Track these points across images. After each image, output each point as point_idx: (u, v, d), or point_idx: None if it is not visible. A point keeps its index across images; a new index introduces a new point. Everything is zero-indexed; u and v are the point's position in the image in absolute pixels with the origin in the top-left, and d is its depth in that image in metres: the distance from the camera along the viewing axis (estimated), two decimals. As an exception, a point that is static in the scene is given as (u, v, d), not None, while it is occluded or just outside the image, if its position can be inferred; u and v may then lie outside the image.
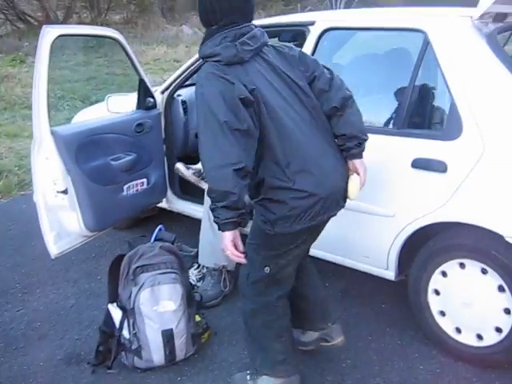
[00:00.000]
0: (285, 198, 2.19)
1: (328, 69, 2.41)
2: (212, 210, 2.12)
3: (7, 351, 2.99)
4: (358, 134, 2.37)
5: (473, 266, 2.67)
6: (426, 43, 2.77)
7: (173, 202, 4.01)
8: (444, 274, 2.78)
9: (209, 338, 2.99)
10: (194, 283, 3.45)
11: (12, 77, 9.28)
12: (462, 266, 2.71)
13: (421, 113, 2.93)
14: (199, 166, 3.89)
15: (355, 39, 3.36)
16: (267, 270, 2.39)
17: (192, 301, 2.87)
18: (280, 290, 2.47)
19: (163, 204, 4.02)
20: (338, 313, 3.21)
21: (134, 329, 2.70)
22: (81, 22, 16.51)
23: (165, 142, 3.90)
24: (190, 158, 4.08)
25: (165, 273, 2.71)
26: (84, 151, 3.15)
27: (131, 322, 2.70)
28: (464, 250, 2.69)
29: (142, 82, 3.62)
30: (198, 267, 3.51)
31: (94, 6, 16.72)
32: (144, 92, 3.66)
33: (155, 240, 2.89)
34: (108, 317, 2.81)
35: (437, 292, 2.83)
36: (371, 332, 3.09)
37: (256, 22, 3.46)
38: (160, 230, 2.97)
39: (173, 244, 2.93)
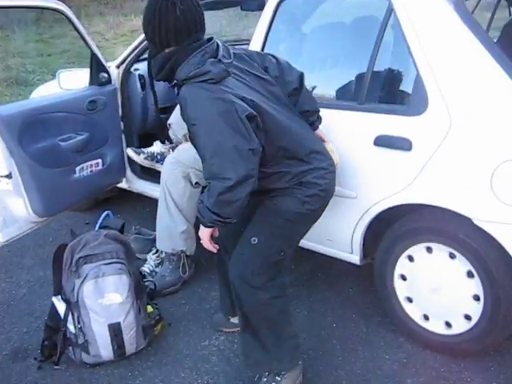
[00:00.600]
0: (312, 178, 2.24)
1: (270, 54, 2.43)
2: (204, 210, 2.10)
3: (-51, 347, 2.81)
4: (316, 108, 2.48)
5: (440, 251, 2.50)
6: (390, 10, 2.55)
7: (133, 182, 3.81)
8: (410, 258, 2.62)
9: (162, 329, 2.82)
10: (152, 269, 3.30)
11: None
12: (429, 250, 2.54)
13: (383, 86, 2.72)
14: (152, 148, 3.69)
15: (314, 7, 3.13)
16: (283, 254, 2.34)
17: (142, 291, 2.69)
18: (286, 270, 2.48)
19: (123, 184, 3.82)
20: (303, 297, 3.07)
21: (79, 323, 2.53)
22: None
23: (122, 120, 3.68)
24: (150, 136, 3.87)
25: (110, 263, 2.53)
26: (28, 132, 2.93)
27: (76, 315, 2.53)
28: (431, 233, 2.51)
29: (93, 56, 3.38)
30: (157, 252, 3.34)
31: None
32: (97, 67, 3.43)
33: (100, 227, 2.69)
34: (53, 310, 2.63)
35: (403, 277, 2.67)
36: (336, 319, 2.93)
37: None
38: (107, 215, 2.77)
39: (122, 231, 2.74)
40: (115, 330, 2.52)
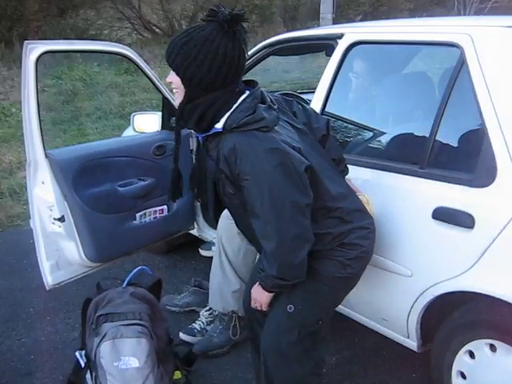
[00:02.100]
0: (355, 239, 2.05)
1: (295, 100, 2.22)
2: (267, 278, 1.98)
3: (-13, 387, 2.80)
4: (342, 156, 2.29)
5: (506, 351, 2.08)
6: (461, 62, 2.22)
7: (204, 231, 3.65)
8: (471, 354, 2.22)
9: (187, 399, 2.61)
10: (203, 326, 3.13)
11: (117, 86, 9.41)
12: (492, 348, 2.14)
13: (449, 150, 2.36)
14: None
15: (383, 54, 2.84)
16: (320, 322, 2.13)
17: (168, 356, 2.50)
18: (324, 342, 2.24)
19: (194, 232, 3.69)
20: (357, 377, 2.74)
21: (96, 383, 2.39)
22: (204, 31, 16.70)
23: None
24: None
25: (130, 324, 2.37)
26: (84, 176, 2.89)
27: (94, 375, 2.40)
28: (493, 329, 2.12)
29: (165, 100, 3.31)
30: (210, 309, 3.16)
31: (217, 16, 16.80)
32: (168, 111, 3.35)
33: (128, 284, 2.56)
34: (76, 365, 2.52)
35: (463, 375, 2.27)
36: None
37: (282, 35, 3.09)
38: (140, 271, 2.63)
39: (155, 289, 2.58)
40: (131, 397, 2.35)
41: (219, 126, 1.90)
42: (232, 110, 1.88)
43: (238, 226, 2.26)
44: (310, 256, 1.98)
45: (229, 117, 1.88)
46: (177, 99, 1.97)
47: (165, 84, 3.14)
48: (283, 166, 1.82)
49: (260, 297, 2.09)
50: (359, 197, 2.19)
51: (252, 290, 2.14)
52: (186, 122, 1.99)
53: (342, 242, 2.02)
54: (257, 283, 2.08)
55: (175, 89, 1.94)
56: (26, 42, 2.63)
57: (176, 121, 2.17)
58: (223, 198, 2.07)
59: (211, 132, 1.94)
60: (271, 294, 2.07)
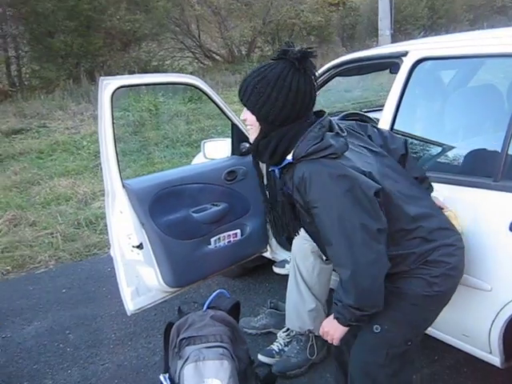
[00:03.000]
0: (439, 256, 2.02)
1: (370, 124, 2.28)
2: (344, 309, 1.95)
3: (75, 412, 2.90)
4: (425, 174, 2.28)
5: None
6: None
7: (277, 254, 3.69)
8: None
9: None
10: (281, 347, 3.15)
11: (182, 114, 9.64)
12: None
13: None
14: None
15: (451, 70, 2.83)
16: (409, 343, 2.10)
17: (250, 377, 2.53)
18: (412, 365, 2.22)
19: (267, 254, 3.73)
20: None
21: (181, 405, 2.44)
22: (263, 56, 16.96)
23: (267, 188, 3.61)
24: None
25: (211, 347, 2.41)
26: (159, 204, 2.99)
27: (179, 398, 2.45)
28: None
29: (234, 126, 3.39)
30: (287, 330, 3.18)
31: (275, 40, 17.06)
32: (238, 137, 3.43)
33: (208, 307, 2.61)
34: (161, 388, 2.58)
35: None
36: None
37: (346, 56, 3.12)
38: (219, 294, 2.68)
39: (234, 311, 2.62)
40: (216, 418, 2.39)
41: (290, 157, 1.95)
42: (300, 140, 1.92)
43: (320, 250, 2.27)
44: (396, 275, 1.99)
45: (297, 147, 1.92)
46: (251, 135, 2.04)
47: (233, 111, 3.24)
48: (352, 192, 1.84)
49: (334, 331, 2.07)
50: (446, 212, 2.18)
51: (324, 323, 2.13)
52: (261, 156, 2.05)
53: (426, 259, 2.01)
54: (331, 316, 2.07)
55: (249, 125, 2.01)
56: (101, 78, 2.76)
57: (252, 156, 2.27)
58: (303, 227, 2.13)
59: (283, 164, 1.99)
60: (345, 329, 2.04)
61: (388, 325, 2.05)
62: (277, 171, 2.08)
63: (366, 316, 1.95)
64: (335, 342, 2.09)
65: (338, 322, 2.01)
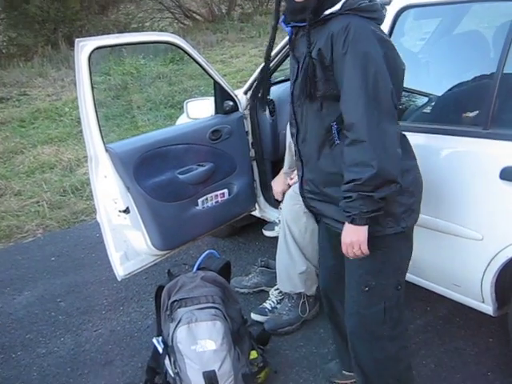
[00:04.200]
0: (409, 183, 1.95)
1: None
2: (355, 199, 1.80)
3: (71, 377, 2.89)
4: None
5: None
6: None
7: (265, 211, 3.66)
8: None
9: (266, 377, 2.62)
10: (273, 305, 3.15)
11: (164, 76, 9.48)
12: None
13: (510, 108, 2.28)
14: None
15: (435, 18, 2.77)
16: (399, 287, 2.07)
17: (243, 337, 2.53)
18: (405, 311, 2.16)
19: (256, 213, 3.70)
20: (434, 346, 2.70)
21: (175, 368, 2.43)
22: (244, 14, 16.69)
23: (253, 146, 3.57)
24: (282, 162, 3.71)
25: (203, 308, 2.40)
26: (144, 167, 2.93)
27: (172, 360, 2.44)
28: None
29: (216, 84, 3.32)
30: (279, 288, 3.16)
31: (255, -3, 16.80)
32: (221, 95, 3.35)
33: (198, 268, 2.58)
34: (154, 351, 2.57)
35: (543, 335, 2.22)
36: (467, 376, 2.53)
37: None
38: (209, 255, 2.65)
39: (225, 271, 2.60)
40: (210, 378, 2.38)
41: (335, 8, 1.85)
42: None
43: (303, 156, 2.10)
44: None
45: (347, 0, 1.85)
46: None
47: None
48: (390, 57, 1.83)
49: (356, 236, 1.87)
50: None
51: (343, 237, 1.92)
52: (304, 10, 1.89)
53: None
54: (345, 227, 1.91)
55: None
56: (77, 40, 2.67)
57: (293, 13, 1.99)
58: (301, 105, 2.00)
59: (324, 15, 1.87)
60: (366, 229, 1.86)
61: (374, 280, 2.02)
62: (289, 31, 2.00)
63: (383, 200, 1.81)
64: (364, 249, 1.89)
65: (355, 223, 1.85)
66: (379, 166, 1.75)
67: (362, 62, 1.77)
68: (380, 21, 1.89)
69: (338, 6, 1.84)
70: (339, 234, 1.95)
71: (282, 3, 2.01)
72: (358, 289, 2.05)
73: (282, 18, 2.01)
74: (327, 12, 1.86)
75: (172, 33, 11.60)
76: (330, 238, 2.22)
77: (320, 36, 1.86)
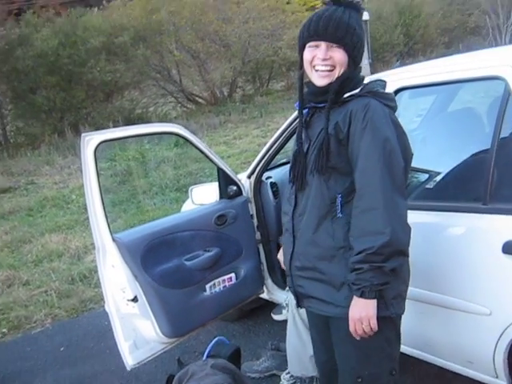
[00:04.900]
0: (405, 271, 2.02)
1: None
2: (366, 271, 1.82)
3: None
4: None
5: None
6: (508, 93, 2.23)
7: (273, 294, 3.66)
8: None
9: None
10: (284, 390, 3.09)
11: (169, 160, 9.65)
12: None
13: (508, 182, 2.33)
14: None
15: (427, 97, 2.87)
16: (394, 372, 2.06)
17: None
18: None
19: (264, 295, 3.70)
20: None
21: None
22: (245, 95, 17.13)
23: (259, 229, 3.61)
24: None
25: (214, 396, 2.38)
26: (151, 255, 2.97)
27: None
28: None
29: (220, 170, 3.39)
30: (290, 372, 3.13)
31: (255, 78, 17.26)
32: (225, 180, 3.43)
33: (208, 356, 2.57)
34: None
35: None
36: None
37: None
38: (218, 341, 2.64)
39: (235, 358, 2.59)
40: None
41: (355, 91, 2.00)
42: (367, 81, 2.06)
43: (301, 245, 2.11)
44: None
45: (366, 85, 2.03)
46: (324, 77, 1.99)
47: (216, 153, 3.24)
48: (403, 140, 1.94)
49: (365, 311, 1.86)
50: None
51: (350, 314, 1.90)
52: (324, 94, 2.01)
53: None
54: (352, 302, 1.90)
55: (329, 64, 1.97)
56: (83, 134, 2.77)
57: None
58: (308, 182, 2.05)
59: (346, 96, 2.00)
60: (375, 304, 1.86)
61: (366, 370, 2.02)
62: (305, 113, 2.13)
63: (392, 272, 1.84)
64: (373, 325, 1.87)
65: (365, 296, 1.85)
66: (392, 233, 1.80)
67: (379, 138, 1.88)
68: (394, 109, 2.01)
69: (357, 90, 2.00)
70: (325, 319, 1.98)
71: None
72: (352, 381, 2.06)
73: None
74: (347, 94, 2.00)
75: (175, 117, 11.95)
76: (317, 328, 2.26)
77: (337, 114, 1.98)
